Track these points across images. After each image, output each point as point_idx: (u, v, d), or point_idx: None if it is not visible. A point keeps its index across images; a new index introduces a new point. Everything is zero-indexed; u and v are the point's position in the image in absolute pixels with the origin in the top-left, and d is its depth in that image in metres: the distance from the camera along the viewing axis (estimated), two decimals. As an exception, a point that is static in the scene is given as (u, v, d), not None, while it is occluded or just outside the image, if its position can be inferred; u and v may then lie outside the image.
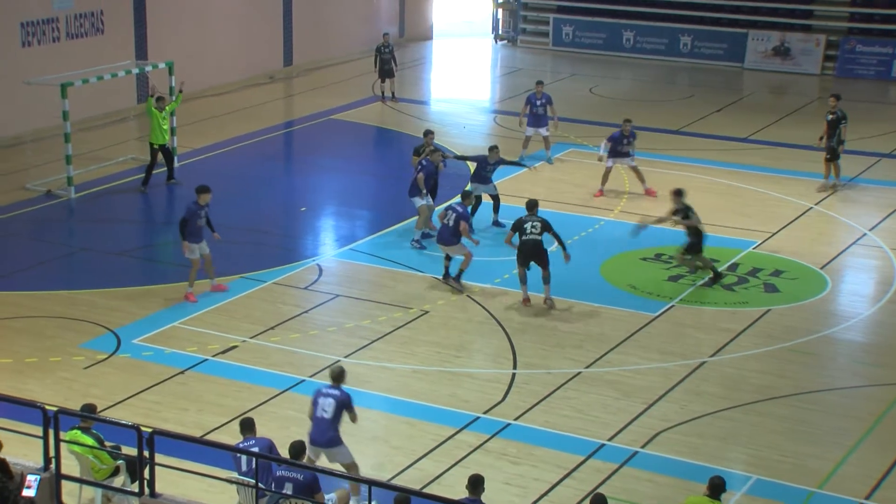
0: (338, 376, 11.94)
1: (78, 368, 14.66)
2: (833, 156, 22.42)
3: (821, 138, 22.54)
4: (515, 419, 13.76)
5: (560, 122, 24.26)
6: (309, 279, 17.93)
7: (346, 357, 15.18)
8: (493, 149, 20.19)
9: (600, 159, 21.85)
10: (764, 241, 19.81)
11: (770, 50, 33.88)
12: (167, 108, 21.46)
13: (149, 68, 24.03)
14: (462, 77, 33.51)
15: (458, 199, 18.43)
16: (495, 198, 20.12)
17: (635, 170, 21.84)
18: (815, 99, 30.56)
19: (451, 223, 17.49)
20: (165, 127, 21.41)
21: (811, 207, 21.66)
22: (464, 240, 17.50)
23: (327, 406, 11.70)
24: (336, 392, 11.80)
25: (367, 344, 15.66)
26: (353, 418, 11.91)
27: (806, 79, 32.88)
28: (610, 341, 15.93)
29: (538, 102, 23.67)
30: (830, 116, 22.37)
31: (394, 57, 28.57)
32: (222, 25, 29.95)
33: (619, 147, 21.66)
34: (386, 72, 28.46)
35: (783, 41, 33.72)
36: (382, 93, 28.88)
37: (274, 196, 22.18)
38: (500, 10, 38.02)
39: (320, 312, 16.76)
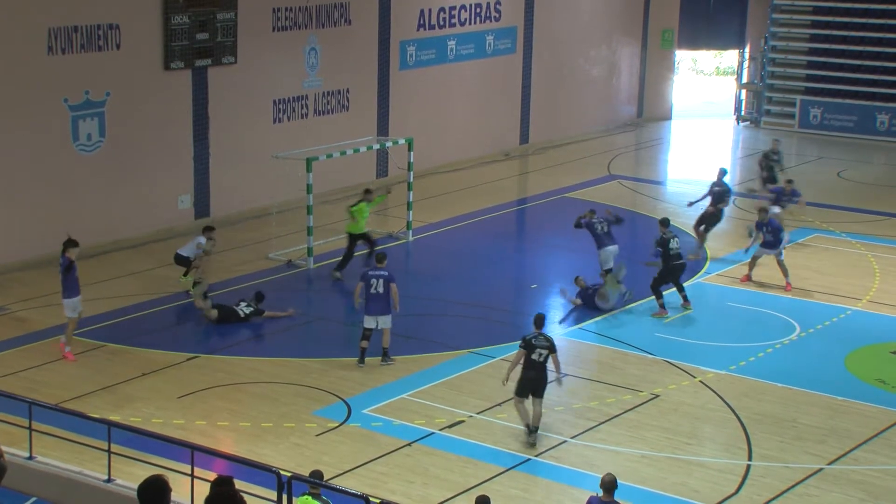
0: (610, 487, 11.54)
1: (310, 435, 15.14)
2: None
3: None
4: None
5: (806, 206, 23.61)
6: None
7: (572, 438, 15.07)
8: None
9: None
10: None
11: None
12: (375, 200, 21.90)
13: (389, 144, 24.93)
14: (701, 158, 33.11)
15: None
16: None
17: None
18: None
19: (381, 290, 17.12)
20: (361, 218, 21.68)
21: None
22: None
23: None
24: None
25: (594, 426, 15.52)
26: None
27: None
28: (856, 438, 15.20)
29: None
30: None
31: (780, 163, 26.23)
32: (461, 104, 30.78)
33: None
34: (770, 178, 25.66)
35: None
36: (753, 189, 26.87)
37: (504, 272, 22.44)
38: (743, 91, 37.50)
39: (547, 391, 16.67)
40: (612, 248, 20.72)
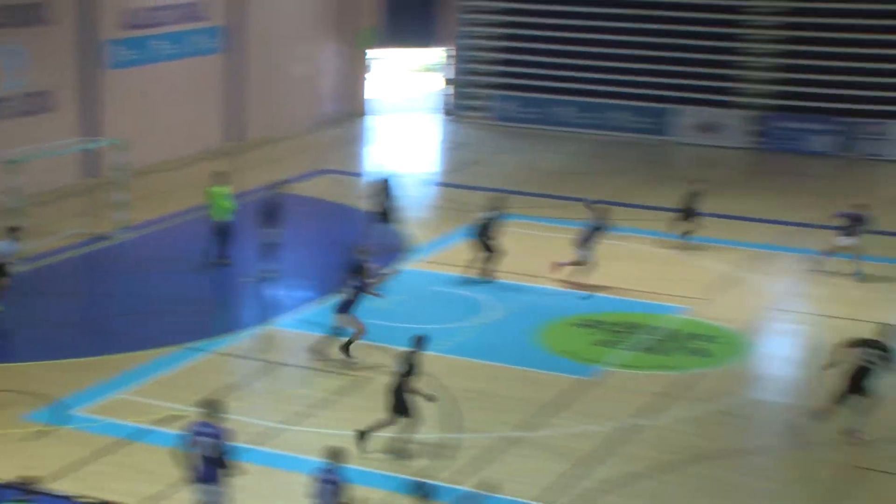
0: (335, 455, 11.70)
1: (20, 441, 14.39)
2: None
3: None
4: (459, 483, 13.66)
5: (500, 193, 24.42)
6: (252, 348, 17.83)
7: (286, 424, 15.04)
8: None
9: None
10: (691, 307, 20.04)
11: (699, 125, 34.60)
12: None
13: (97, 145, 24.01)
14: (407, 150, 33.73)
15: None
16: None
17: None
18: (741, 171, 31.22)
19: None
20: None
21: (734, 274, 22.01)
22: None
23: (325, 492, 11.54)
24: (333, 476, 11.61)
25: (309, 410, 15.56)
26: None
27: (733, 152, 33.58)
28: (549, 406, 15.97)
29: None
30: None
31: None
32: (170, 102, 30.03)
33: None
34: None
35: (711, 117, 34.48)
36: None
37: (217, 267, 22.06)
38: (446, 86, 38.55)
39: (263, 380, 16.65)
40: (274, 231, 21.00)
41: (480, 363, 17.42)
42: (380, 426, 14.39)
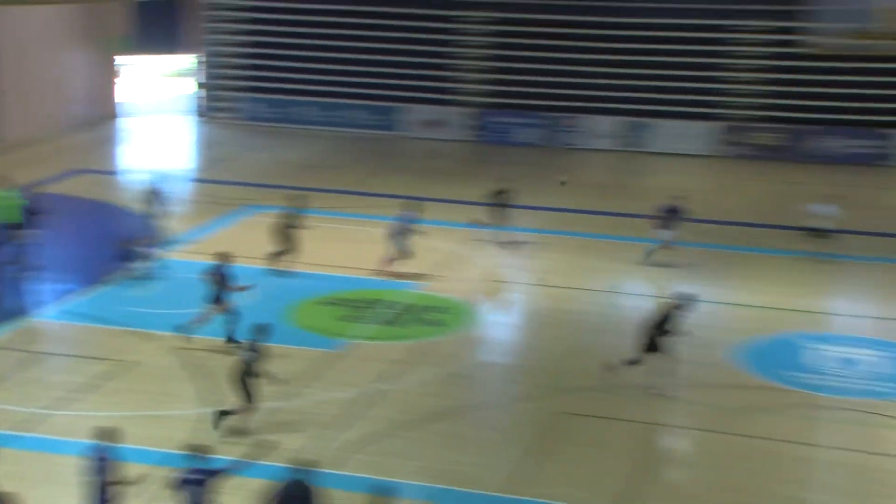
0: (106, 436, 11.14)
1: None
2: None
3: None
4: (222, 454, 13.37)
5: (244, 186, 24.04)
6: (15, 339, 16.84)
7: (53, 410, 14.30)
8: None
9: None
10: (425, 283, 20.51)
11: (425, 121, 35.36)
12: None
13: None
14: (162, 150, 32.64)
15: None
16: None
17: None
18: (462, 161, 32.19)
19: None
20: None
21: (462, 252, 22.70)
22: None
23: (97, 470, 11.00)
24: (104, 455, 11.08)
25: (75, 395, 14.87)
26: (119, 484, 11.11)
27: (455, 145, 34.54)
28: (299, 377, 15.93)
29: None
30: None
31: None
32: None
33: None
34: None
35: (436, 114, 35.32)
36: None
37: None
38: (198, 89, 37.55)
39: (28, 370, 15.76)
40: (32, 231, 20.24)
41: (237, 342, 17.11)
42: (236, 411, 13.99)
